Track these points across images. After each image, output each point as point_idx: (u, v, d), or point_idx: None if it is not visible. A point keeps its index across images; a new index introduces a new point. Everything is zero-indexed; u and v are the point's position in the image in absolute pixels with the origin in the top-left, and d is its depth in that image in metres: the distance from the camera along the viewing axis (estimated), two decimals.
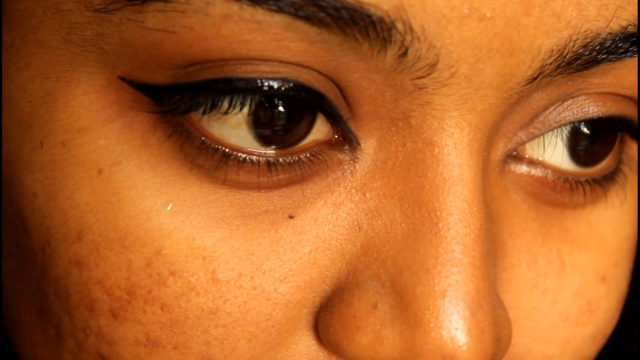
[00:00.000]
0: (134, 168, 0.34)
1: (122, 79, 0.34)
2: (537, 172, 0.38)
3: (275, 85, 0.32)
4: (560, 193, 0.38)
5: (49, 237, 0.36)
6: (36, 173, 0.36)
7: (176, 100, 0.33)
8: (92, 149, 0.35)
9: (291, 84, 0.33)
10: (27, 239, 0.36)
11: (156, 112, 0.34)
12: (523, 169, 0.38)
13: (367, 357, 0.34)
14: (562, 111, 0.36)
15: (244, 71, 0.32)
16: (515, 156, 0.37)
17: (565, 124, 0.37)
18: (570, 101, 0.36)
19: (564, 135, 0.37)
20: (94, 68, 0.34)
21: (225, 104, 0.33)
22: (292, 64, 0.32)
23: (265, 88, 0.32)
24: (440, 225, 0.33)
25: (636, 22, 0.33)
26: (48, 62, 0.35)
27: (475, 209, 0.34)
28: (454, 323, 0.33)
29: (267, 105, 0.33)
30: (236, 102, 0.33)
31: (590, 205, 0.39)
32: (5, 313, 0.40)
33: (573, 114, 0.36)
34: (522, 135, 0.36)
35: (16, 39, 0.36)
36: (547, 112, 0.36)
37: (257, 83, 0.32)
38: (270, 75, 0.32)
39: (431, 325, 0.33)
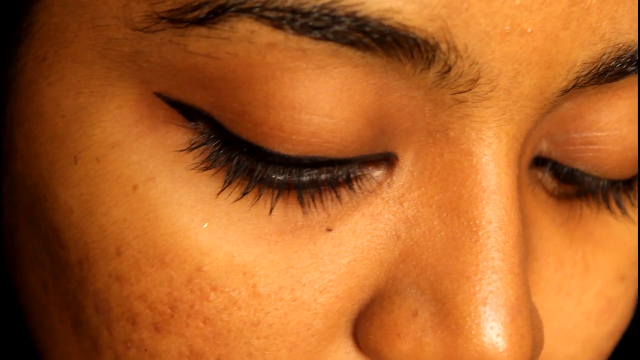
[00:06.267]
0: (168, 184, 0.35)
1: (158, 95, 0.34)
2: (559, 177, 0.39)
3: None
4: (581, 197, 0.39)
5: (87, 252, 0.36)
6: (71, 189, 0.36)
7: (207, 136, 0.34)
8: (125, 165, 0.35)
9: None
10: (63, 253, 0.36)
11: (190, 129, 0.34)
12: (546, 173, 0.39)
13: None
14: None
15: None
16: (538, 161, 0.38)
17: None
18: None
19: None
20: (129, 83, 0.35)
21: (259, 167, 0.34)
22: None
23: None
24: (480, 233, 0.34)
25: None
26: (82, 77, 0.35)
27: (513, 216, 0.34)
28: (496, 329, 0.34)
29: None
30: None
31: (610, 208, 0.40)
32: (35, 322, 0.40)
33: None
34: (544, 145, 0.37)
35: (49, 53, 0.36)
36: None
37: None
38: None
39: (473, 332, 0.34)
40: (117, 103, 0.35)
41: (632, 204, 0.41)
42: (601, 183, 0.39)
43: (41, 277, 0.39)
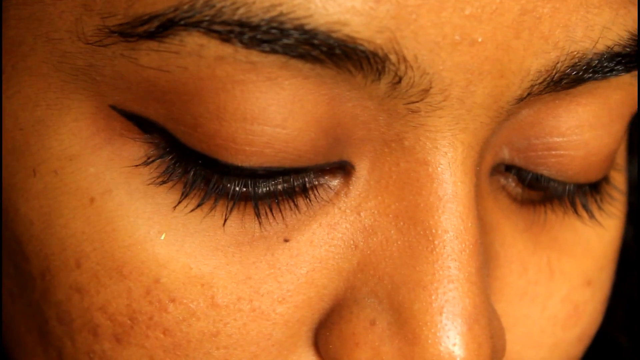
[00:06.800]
0: (124, 196, 0.35)
1: (114, 107, 0.34)
2: (524, 182, 0.38)
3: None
4: (545, 202, 0.39)
5: (48, 263, 0.36)
6: (31, 201, 0.36)
7: (163, 149, 0.34)
8: (82, 177, 0.35)
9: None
10: (26, 264, 0.37)
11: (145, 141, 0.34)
12: (510, 178, 0.38)
13: None
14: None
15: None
16: (503, 167, 0.38)
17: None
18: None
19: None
20: (84, 96, 0.35)
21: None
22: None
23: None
24: (436, 242, 0.34)
25: (621, 42, 0.34)
26: (38, 90, 0.35)
27: (470, 224, 0.34)
28: (452, 338, 0.34)
29: None
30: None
31: (577, 212, 0.40)
32: (5, 330, 0.41)
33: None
34: (506, 152, 0.37)
35: (6, 66, 0.36)
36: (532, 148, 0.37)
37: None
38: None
39: (429, 341, 0.34)
40: (74, 116, 0.35)
41: (600, 207, 0.40)
42: (567, 187, 0.39)
43: (8, 287, 0.39)
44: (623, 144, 0.43)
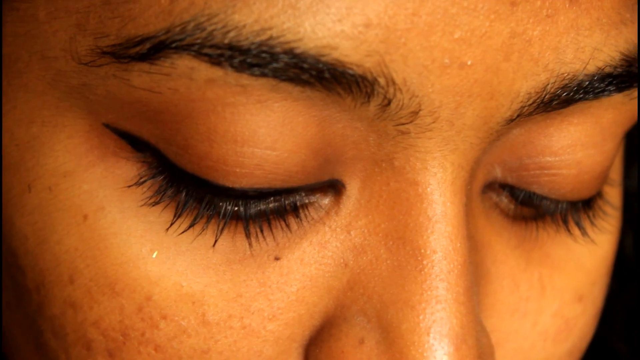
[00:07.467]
0: (117, 214, 0.35)
1: (107, 126, 0.35)
2: (517, 199, 0.39)
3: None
4: (537, 219, 0.39)
5: (42, 278, 0.36)
6: (26, 216, 0.36)
7: (155, 169, 0.35)
8: (76, 194, 0.35)
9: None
10: (22, 278, 0.37)
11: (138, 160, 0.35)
12: (503, 195, 0.39)
13: None
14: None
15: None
16: (492, 185, 0.38)
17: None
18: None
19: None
20: (78, 114, 0.35)
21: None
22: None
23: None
24: (424, 262, 0.34)
25: (612, 63, 0.34)
26: (33, 107, 0.36)
27: (459, 245, 0.34)
28: (439, 359, 0.34)
29: None
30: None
31: (569, 230, 0.40)
32: (6, 340, 0.41)
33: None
34: (498, 171, 0.37)
35: (2, 82, 0.36)
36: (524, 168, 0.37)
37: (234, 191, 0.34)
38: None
39: None
40: (68, 133, 0.35)
41: (592, 223, 0.41)
42: (560, 205, 0.39)
43: (6, 298, 0.39)
44: (618, 158, 0.43)
